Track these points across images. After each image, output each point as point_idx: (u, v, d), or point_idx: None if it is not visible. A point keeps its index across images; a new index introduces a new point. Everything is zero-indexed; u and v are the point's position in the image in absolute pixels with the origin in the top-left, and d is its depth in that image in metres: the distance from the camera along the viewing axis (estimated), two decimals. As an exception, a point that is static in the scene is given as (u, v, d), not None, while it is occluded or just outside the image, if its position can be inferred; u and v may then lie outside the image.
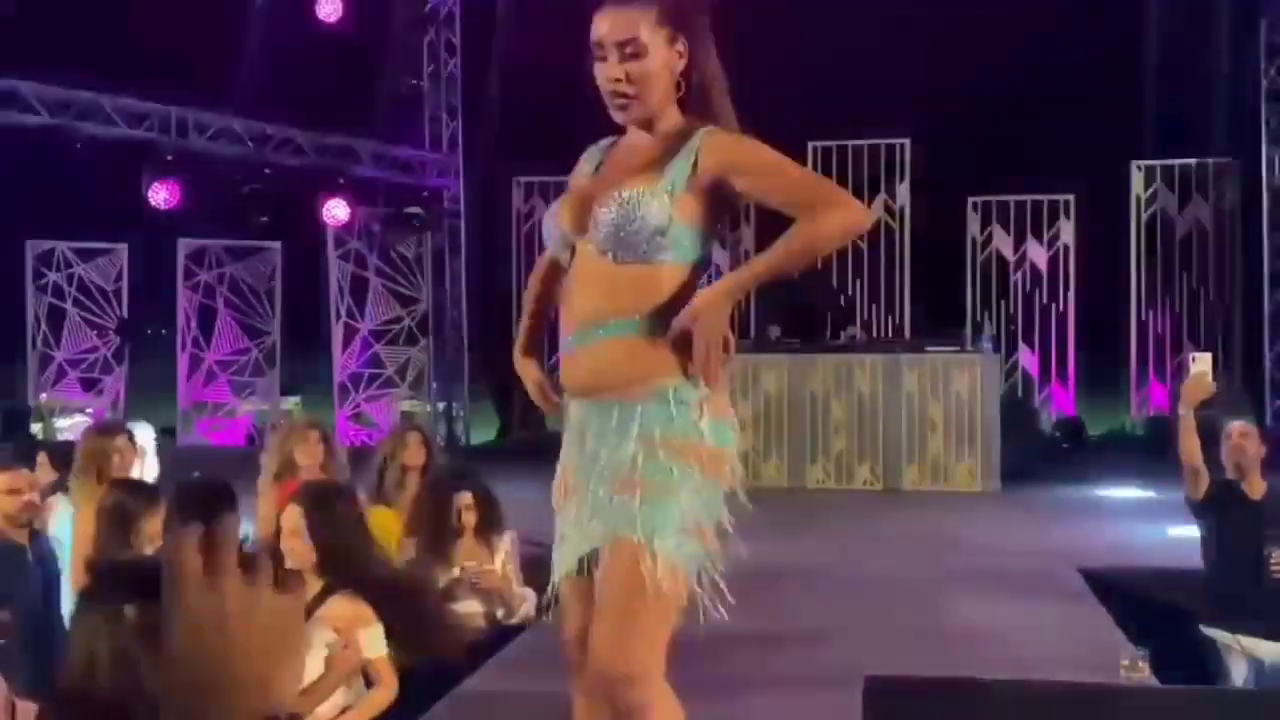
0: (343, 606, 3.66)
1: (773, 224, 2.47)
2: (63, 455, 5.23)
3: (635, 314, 2.38)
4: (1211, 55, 12.80)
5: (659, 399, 2.39)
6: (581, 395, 2.48)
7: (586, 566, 2.46)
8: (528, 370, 2.71)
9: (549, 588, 2.61)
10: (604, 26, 2.40)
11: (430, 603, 4.18)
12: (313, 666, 3.62)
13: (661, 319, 2.37)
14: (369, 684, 3.81)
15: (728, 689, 3.42)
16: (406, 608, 3.83)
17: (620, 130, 2.56)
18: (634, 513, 2.34)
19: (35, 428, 12.50)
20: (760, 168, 2.41)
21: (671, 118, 2.46)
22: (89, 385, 13.34)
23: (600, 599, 2.38)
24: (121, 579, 3.10)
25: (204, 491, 3.97)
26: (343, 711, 3.71)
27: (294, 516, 3.79)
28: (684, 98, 2.46)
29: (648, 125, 2.46)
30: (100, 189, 11.09)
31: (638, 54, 2.38)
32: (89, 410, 13.18)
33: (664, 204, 2.35)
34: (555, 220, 2.53)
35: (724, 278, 2.48)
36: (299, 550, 3.77)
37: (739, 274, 2.49)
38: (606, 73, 2.40)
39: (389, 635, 3.73)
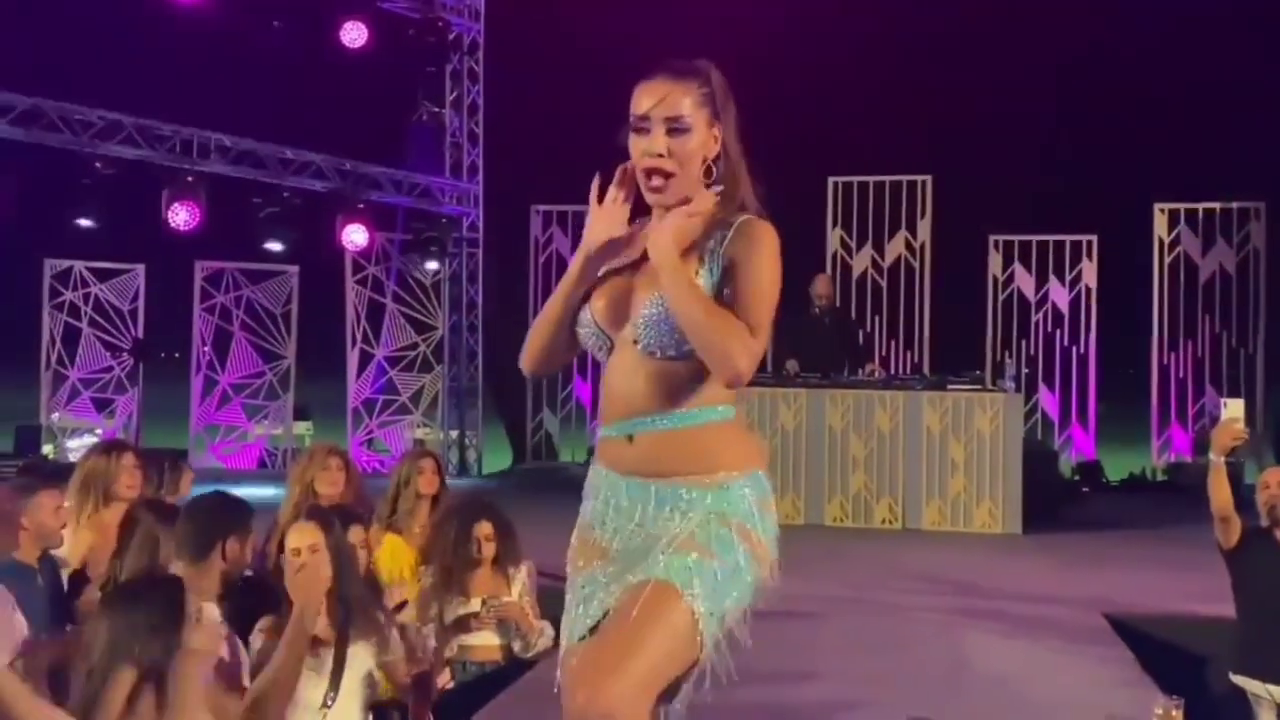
0: None
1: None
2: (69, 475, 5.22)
3: (687, 405, 2.37)
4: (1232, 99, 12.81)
5: (728, 488, 2.38)
6: (636, 475, 2.42)
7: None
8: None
9: (560, 652, 2.48)
10: (650, 100, 2.36)
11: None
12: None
13: (713, 407, 2.38)
14: None
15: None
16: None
17: (644, 210, 2.49)
18: (684, 565, 2.29)
19: (46, 448, 12.52)
20: (751, 276, 2.35)
21: (704, 200, 2.41)
22: (101, 405, 13.34)
23: (616, 624, 2.29)
24: (143, 592, 3.08)
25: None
26: None
27: (310, 535, 3.77)
28: (710, 181, 2.42)
29: (677, 200, 2.41)
30: (119, 209, 11.11)
31: (683, 130, 2.36)
32: (99, 431, 13.19)
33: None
34: (588, 316, 2.46)
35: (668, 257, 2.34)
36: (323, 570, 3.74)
37: (680, 268, 2.34)
38: (648, 146, 2.36)
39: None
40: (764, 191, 2.49)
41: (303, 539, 3.71)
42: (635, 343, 2.38)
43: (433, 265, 13.37)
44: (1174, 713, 3.63)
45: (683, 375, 2.36)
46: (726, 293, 2.35)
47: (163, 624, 2.80)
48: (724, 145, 2.42)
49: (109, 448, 5.19)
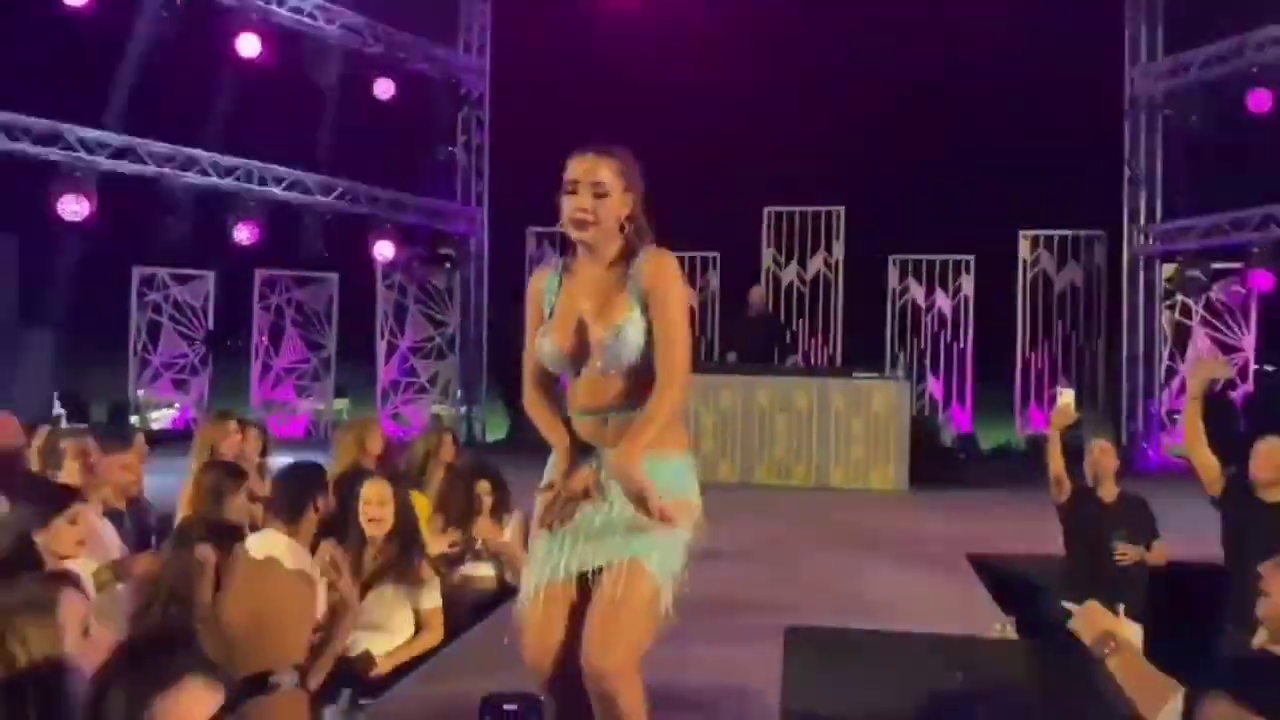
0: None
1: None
2: (153, 439, 5.28)
3: (636, 401, 2.46)
4: (1088, 145, 12.98)
5: (673, 463, 2.50)
6: (611, 449, 2.50)
7: (576, 577, 2.48)
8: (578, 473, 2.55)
9: (520, 601, 2.55)
10: (580, 169, 2.48)
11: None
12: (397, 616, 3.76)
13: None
14: (418, 630, 3.91)
15: (674, 643, 3.48)
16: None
17: (568, 249, 2.64)
18: (645, 542, 2.42)
19: (134, 418, 12.51)
20: (667, 311, 2.47)
21: (616, 245, 2.53)
22: (179, 385, 13.33)
23: (606, 608, 2.39)
24: (207, 531, 3.18)
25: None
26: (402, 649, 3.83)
27: (383, 490, 3.92)
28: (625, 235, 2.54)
29: (596, 248, 2.53)
30: (194, 226, 11.13)
31: (602, 194, 2.47)
32: (177, 405, 13.19)
33: (638, 329, 2.46)
34: (556, 349, 2.54)
35: (625, 442, 2.44)
36: (385, 517, 3.90)
37: (634, 440, 2.42)
38: (576, 204, 2.48)
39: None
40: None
41: (377, 493, 3.87)
42: (598, 365, 2.50)
43: (444, 274, 13.42)
44: (1007, 628, 3.78)
45: (632, 382, 2.48)
46: (655, 328, 2.46)
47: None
48: (633, 210, 2.53)
49: (219, 415, 5.29)
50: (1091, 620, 2.46)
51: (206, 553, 3.01)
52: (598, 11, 12.65)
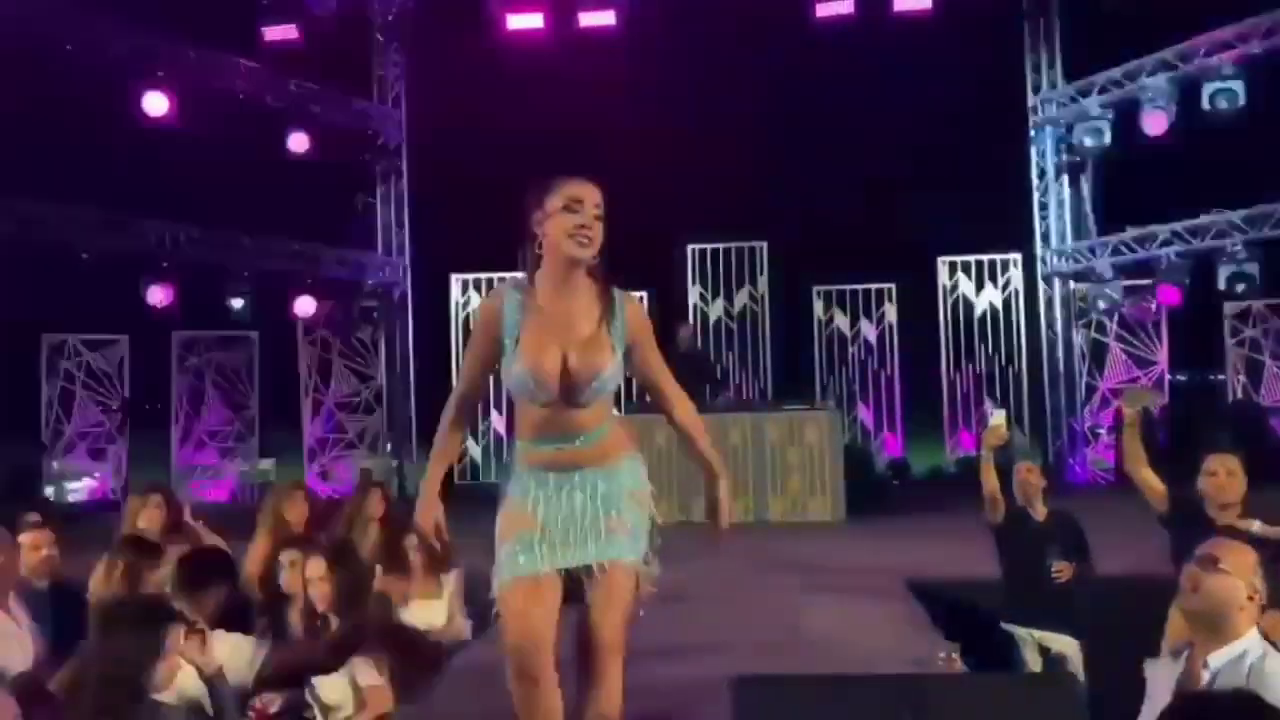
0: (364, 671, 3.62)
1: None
2: (57, 515, 5.05)
3: (599, 425, 2.78)
4: (999, 172, 13.31)
5: (628, 466, 2.86)
6: (573, 469, 2.77)
7: (565, 573, 2.74)
8: (432, 509, 2.87)
9: (496, 585, 2.76)
10: (587, 192, 2.69)
11: (422, 643, 4.13)
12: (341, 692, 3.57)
13: (608, 422, 2.83)
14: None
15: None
16: (406, 649, 3.78)
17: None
18: (624, 543, 2.77)
19: (49, 490, 12.02)
20: (655, 352, 2.88)
21: (584, 279, 2.75)
22: (96, 454, 12.87)
23: (605, 601, 2.72)
24: (125, 614, 3.01)
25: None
26: None
27: (319, 566, 3.76)
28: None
29: (579, 268, 2.72)
30: (105, 290, 10.80)
31: (600, 217, 2.71)
32: (96, 475, 12.72)
33: (619, 369, 2.78)
34: (528, 377, 2.70)
35: (716, 471, 3.02)
36: (324, 592, 3.74)
37: (717, 464, 3.02)
38: (582, 220, 2.67)
39: (393, 678, 3.69)
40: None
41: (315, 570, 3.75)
42: (579, 399, 2.71)
43: (367, 328, 13.22)
44: (953, 655, 3.76)
45: (595, 411, 2.76)
46: (637, 357, 2.83)
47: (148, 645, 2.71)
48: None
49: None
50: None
51: (175, 634, 2.84)
52: (512, 57, 12.67)
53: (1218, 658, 2.59)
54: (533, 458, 2.78)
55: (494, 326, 2.71)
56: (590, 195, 2.68)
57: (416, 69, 13.70)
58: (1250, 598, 2.66)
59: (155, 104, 10.71)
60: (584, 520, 2.73)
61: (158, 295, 10.90)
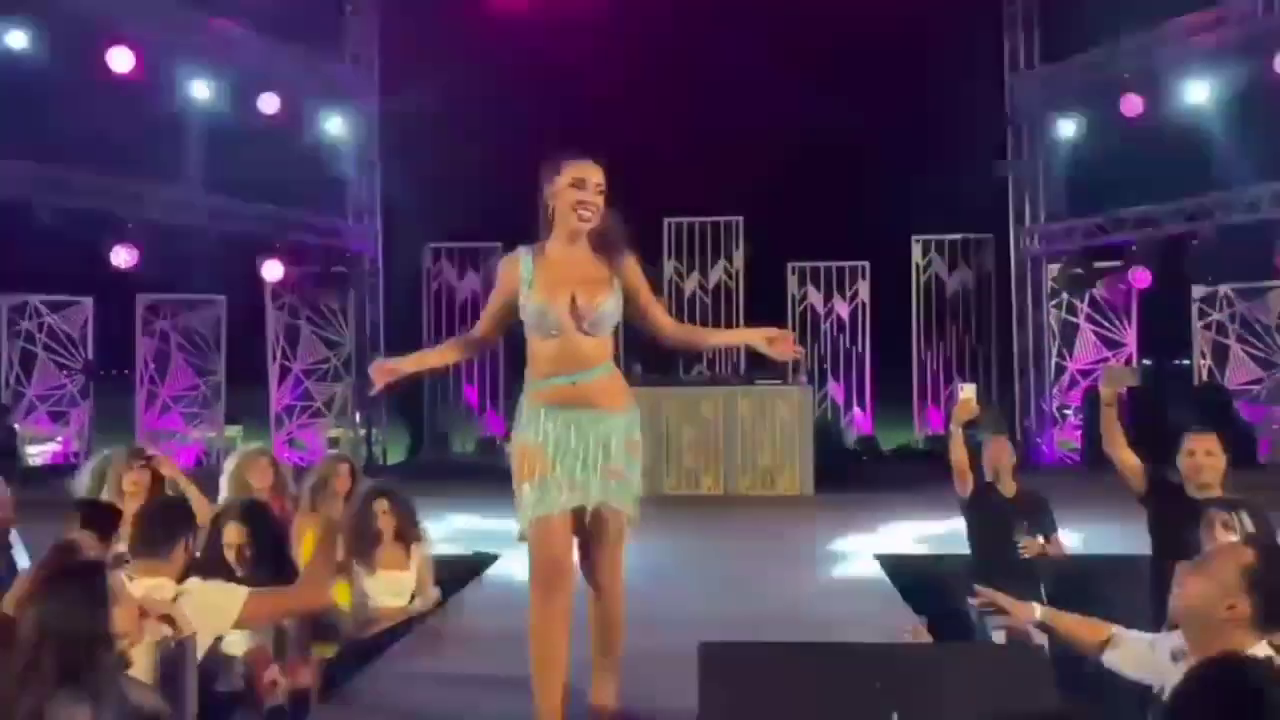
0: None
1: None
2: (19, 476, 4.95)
3: (603, 362, 3.23)
4: (974, 152, 13.33)
5: (629, 416, 3.29)
6: (580, 407, 3.18)
7: (573, 509, 3.17)
8: (392, 362, 3.32)
9: (522, 520, 3.20)
10: (590, 171, 3.18)
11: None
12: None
13: (611, 362, 3.28)
14: None
15: (587, 671, 3.38)
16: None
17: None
18: (622, 488, 3.23)
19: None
20: (645, 284, 3.33)
21: (592, 237, 3.22)
22: (57, 418, 12.69)
23: (605, 546, 3.26)
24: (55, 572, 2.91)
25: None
26: None
27: (235, 531, 3.72)
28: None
29: (581, 236, 3.20)
30: (69, 251, 10.56)
31: (601, 192, 3.20)
32: (58, 439, 12.54)
33: (619, 305, 3.23)
34: (542, 309, 3.15)
35: (742, 332, 3.85)
36: (242, 557, 3.69)
37: (739, 331, 3.85)
38: (586, 196, 3.16)
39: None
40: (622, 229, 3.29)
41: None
42: (584, 326, 3.14)
43: (337, 294, 13.07)
44: (920, 629, 3.79)
45: (600, 344, 3.22)
46: (637, 291, 3.28)
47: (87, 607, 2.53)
48: (609, 214, 3.26)
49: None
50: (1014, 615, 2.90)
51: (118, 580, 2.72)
52: (490, 21, 12.52)
53: None
54: (544, 394, 3.19)
55: (513, 277, 3.21)
56: (592, 175, 3.16)
57: (388, 35, 13.48)
58: (1231, 606, 2.33)
59: (121, 60, 10.48)
60: (589, 461, 3.16)
61: (121, 256, 10.70)
